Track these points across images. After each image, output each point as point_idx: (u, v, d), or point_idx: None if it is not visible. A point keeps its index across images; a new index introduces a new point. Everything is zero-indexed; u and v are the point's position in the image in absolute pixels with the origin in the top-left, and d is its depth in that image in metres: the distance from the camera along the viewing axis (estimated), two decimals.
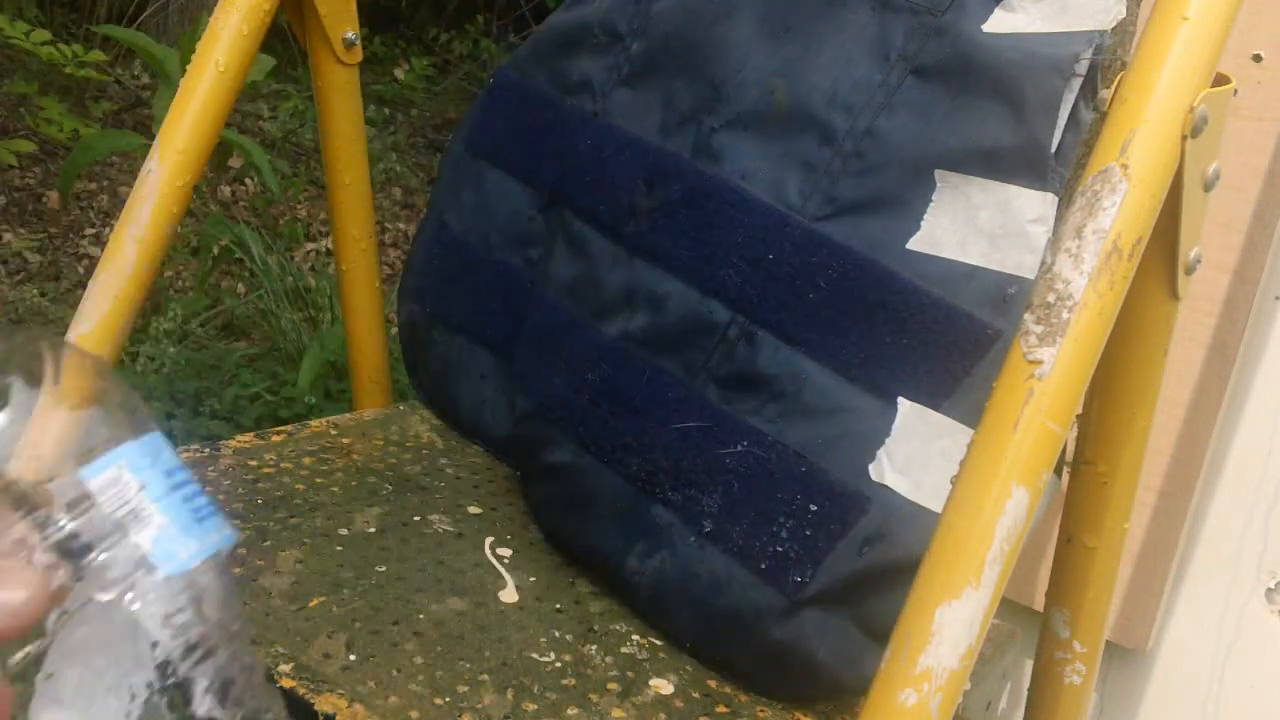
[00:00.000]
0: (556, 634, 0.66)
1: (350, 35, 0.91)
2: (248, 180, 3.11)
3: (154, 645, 0.31)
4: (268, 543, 0.69)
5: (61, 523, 0.31)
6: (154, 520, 0.32)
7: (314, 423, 0.85)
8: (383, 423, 0.88)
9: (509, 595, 0.69)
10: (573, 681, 0.62)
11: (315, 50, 0.91)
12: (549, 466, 0.75)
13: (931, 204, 0.65)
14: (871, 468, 0.63)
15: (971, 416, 0.62)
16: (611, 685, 0.63)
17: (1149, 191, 0.53)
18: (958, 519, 0.50)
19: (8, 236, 2.62)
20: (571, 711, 0.60)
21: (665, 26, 0.77)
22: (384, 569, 0.69)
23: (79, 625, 0.31)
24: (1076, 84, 0.62)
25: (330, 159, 0.95)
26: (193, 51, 0.82)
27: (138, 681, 0.31)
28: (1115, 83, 0.55)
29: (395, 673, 0.60)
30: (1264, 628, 0.93)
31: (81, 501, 0.31)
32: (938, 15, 0.66)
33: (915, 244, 0.64)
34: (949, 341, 0.63)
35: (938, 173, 0.65)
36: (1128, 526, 0.71)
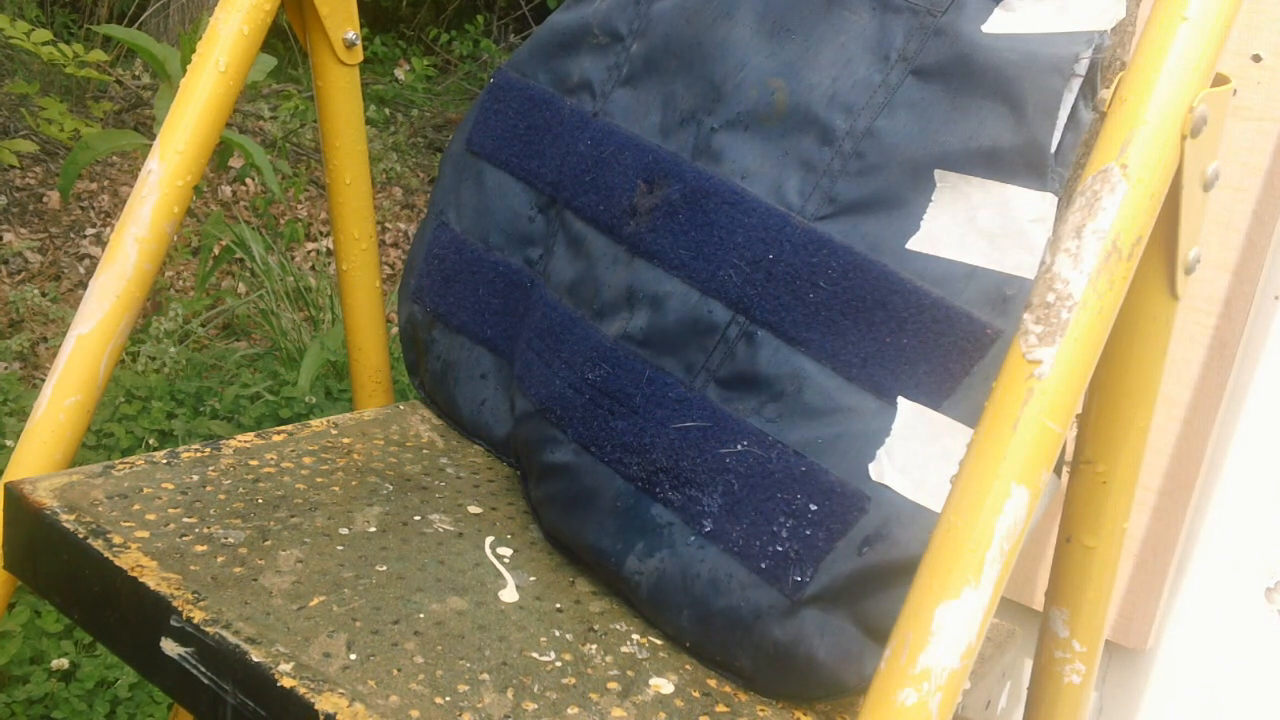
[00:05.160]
0: (556, 633, 0.66)
1: (351, 35, 0.91)
2: (248, 180, 3.12)
3: None
4: (268, 542, 0.69)
5: None
6: None
7: (314, 422, 0.85)
8: (383, 422, 0.88)
9: (509, 595, 0.69)
10: (573, 681, 0.63)
11: (316, 50, 0.91)
12: (549, 466, 0.75)
13: (931, 204, 0.65)
14: (871, 467, 0.63)
15: (971, 416, 0.62)
16: (611, 684, 0.63)
17: (1148, 191, 0.53)
18: (957, 518, 0.50)
19: (8, 236, 2.62)
20: (572, 711, 0.60)
21: (665, 27, 0.77)
22: (384, 568, 0.69)
23: None
24: (1076, 84, 0.62)
25: (331, 159, 0.95)
26: (193, 51, 0.82)
27: None
28: (1115, 83, 0.55)
29: (395, 672, 0.60)
30: (1264, 627, 0.93)
31: None
32: (937, 15, 0.67)
33: (915, 244, 0.65)
34: (949, 341, 0.63)
35: (937, 173, 0.65)
36: (1127, 526, 0.71)
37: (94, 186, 2.92)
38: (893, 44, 0.68)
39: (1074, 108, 0.63)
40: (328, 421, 0.86)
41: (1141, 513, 0.92)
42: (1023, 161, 0.63)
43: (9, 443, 1.68)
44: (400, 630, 0.63)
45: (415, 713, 0.57)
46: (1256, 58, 0.87)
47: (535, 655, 0.64)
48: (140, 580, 0.63)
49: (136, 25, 3.43)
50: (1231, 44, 0.88)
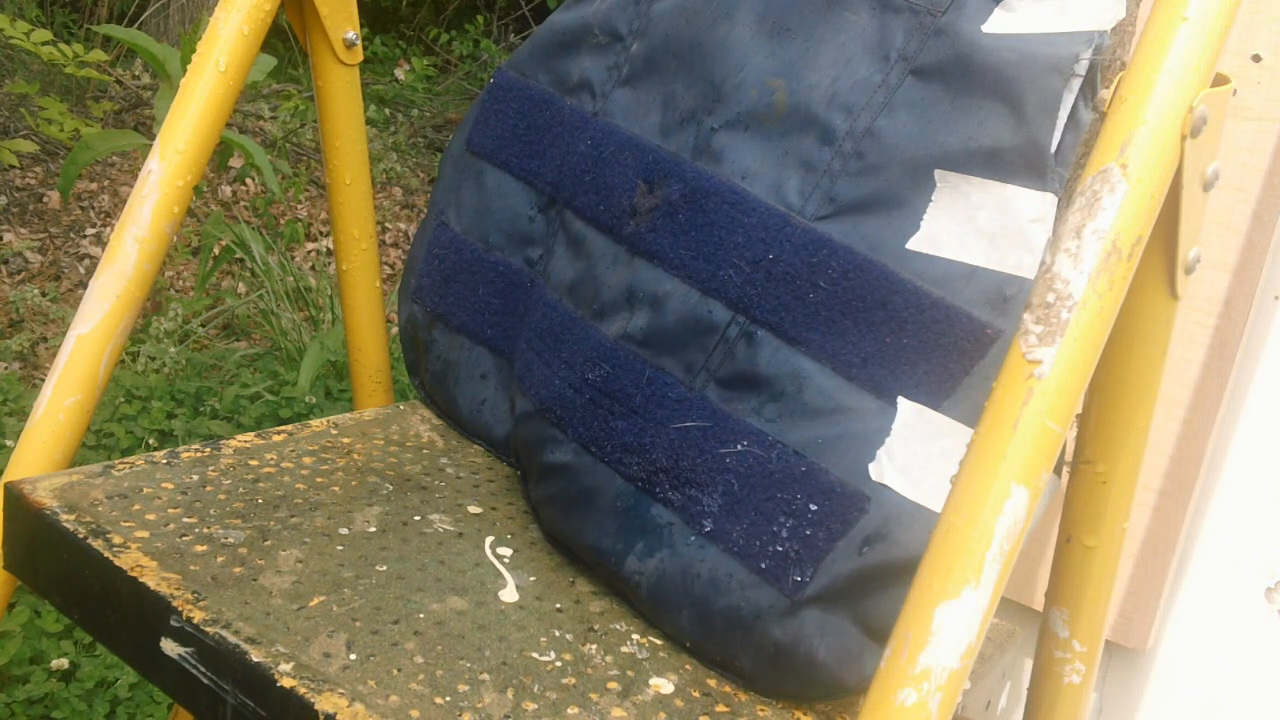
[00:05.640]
0: (556, 633, 0.66)
1: (351, 35, 0.91)
2: (248, 180, 3.12)
3: None
4: (268, 542, 0.69)
5: None
6: None
7: (314, 422, 0.85)
8: (383, 422, 0.88)
9: (509, 595, 0.69)
10: (573, 681, 0.63)
11: (316, 50, 0.91)
12: (549, 466, 0.75)
13: (931, 204, 0.65)
14: (871, 467, 0.63)
15: (971, 416, 0.62)
16: (611, 684, 0.63)
17: (1148, 191, 0.53)
18: (957, 518, 0.50)
19: (8, 236, 2.62)
20: (572, 711, 0.60)
21: (665, 27, 0.77)
22: (384, 568, 0.69)
23: None
24: (1076, 84, 0.62)
25: (331, 159, 0.95)
26: (193, 51, 0.82)
27: None
28: (1115, 83, 0.55)
29: (395, 672, 0.60)
30: (1264, 628, 0.93)
31: None
32: (937, 15, 0.67)
33: (915, 244, 0.65)
34: (949, 341, 0.63)
35: (937, 173, 0.65)
36: (1127, 526, 0.71)
37: (94, 186, 2.92)
38: (893, 44, 0.68)
39: (1074, 108, 0.63)
40: (328, 421, 0.86)
41: (1141, 513, 0.92)
42: (1023, 161, 0.63)
43: (9, 443, 1.68)
44: (400, 630, 0.63)
45: (415, 713, 0.57)
46: (1256, 58, 0.87)
47: (535, 655, 0.64)
48: (140, 580, 0.63)
49: (136, 25, 3.43)
50: (1231, 44, 0.88)
